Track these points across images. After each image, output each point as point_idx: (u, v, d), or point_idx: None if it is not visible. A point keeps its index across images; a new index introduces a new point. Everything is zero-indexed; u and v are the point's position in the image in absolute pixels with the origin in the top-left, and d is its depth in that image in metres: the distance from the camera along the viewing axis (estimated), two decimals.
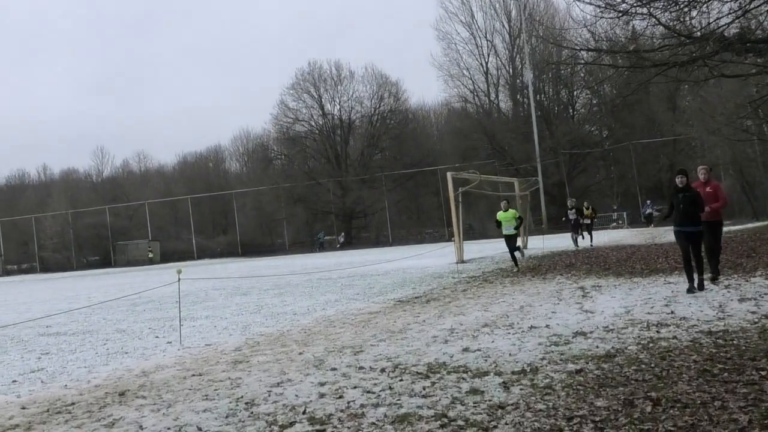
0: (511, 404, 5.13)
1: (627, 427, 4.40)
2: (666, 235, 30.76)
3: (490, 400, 5.30)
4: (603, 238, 31.98)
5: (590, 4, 16.17)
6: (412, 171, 62.44)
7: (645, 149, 54.76)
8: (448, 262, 22.83)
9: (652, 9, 15.92)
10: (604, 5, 16.05)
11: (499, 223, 18.49)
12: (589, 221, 27.24)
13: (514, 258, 18.30)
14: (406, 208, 66.08)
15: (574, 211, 26.70)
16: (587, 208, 27.74)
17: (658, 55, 18.01)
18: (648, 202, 47.25)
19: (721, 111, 36.17)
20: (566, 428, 4.48)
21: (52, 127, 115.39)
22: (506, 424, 4.66)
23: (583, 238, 26.77)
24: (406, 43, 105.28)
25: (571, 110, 64.53)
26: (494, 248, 27.27)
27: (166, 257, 64.26)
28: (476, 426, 4.65)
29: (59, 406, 6.37)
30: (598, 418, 4.61)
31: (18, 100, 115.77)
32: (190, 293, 18.00)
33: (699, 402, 4.68)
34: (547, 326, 8.55)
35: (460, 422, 4.78)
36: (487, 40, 64.19)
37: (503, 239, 18.56)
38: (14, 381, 7.83)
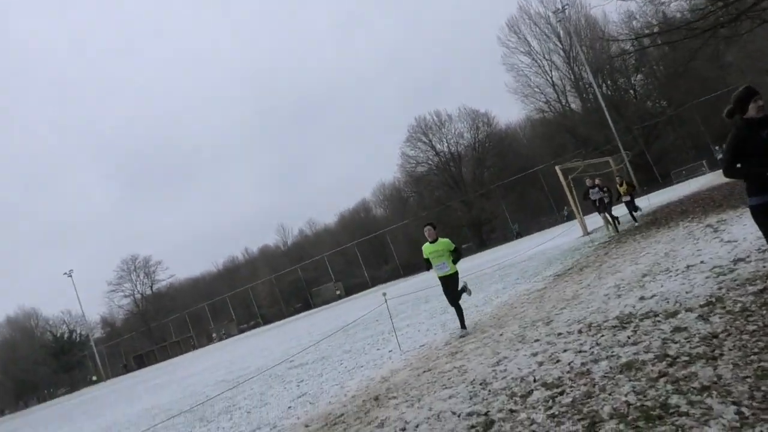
0: (722, 332, 4.46)
1: None
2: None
3: (699, 333, 4.64)
4: (695, 184, 29.75)
5: None
6: (516, 177, 62.32)
7: (705, 106, 51.85)
8: (576, 236, 21.72)
9: None
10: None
11: (428, 262, 9.57)
12: (629, 198, 19.10)
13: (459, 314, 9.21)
14: (520, 206, 65.65)
15: (597, 189, 18.37)
16: (620, 184, 19.63)
17: (709, 20, 16.81)
18: (717, 147, 41.73)
19: (766, 53, 33.63)
20: None
21: (246, 218, 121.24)
22: (730, 349, 4.03)
23: (617, 223, 18.69)
24: (485, 81, 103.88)
25: (632, 92, 62.47)
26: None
27: (348, 291, 66.79)
28: (703, 357, 4.04)
29: (333, 419, 6.19)
30: None
31: (220, 204, 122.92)
32: (382, 312, 17.88)
33: None
34: (702, 262, 7.66)
35: (685, 358, 4.17)
36: (546, 60, 63.43)
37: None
38: (289, 407, 7.77)
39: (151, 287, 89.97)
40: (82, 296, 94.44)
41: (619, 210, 20.90)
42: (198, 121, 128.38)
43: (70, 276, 73.21)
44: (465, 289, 9.63)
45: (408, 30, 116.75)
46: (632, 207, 19.20)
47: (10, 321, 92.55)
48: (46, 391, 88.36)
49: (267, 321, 72.35)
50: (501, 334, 7.64)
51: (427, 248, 9.52)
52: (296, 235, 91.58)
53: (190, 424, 9.27)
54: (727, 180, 24.85)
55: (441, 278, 9.43)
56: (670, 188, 40.83)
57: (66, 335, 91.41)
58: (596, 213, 20.12)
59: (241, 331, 74.01)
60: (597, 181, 18.90)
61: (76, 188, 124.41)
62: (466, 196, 65.69)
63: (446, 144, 69.89)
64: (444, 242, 9.49)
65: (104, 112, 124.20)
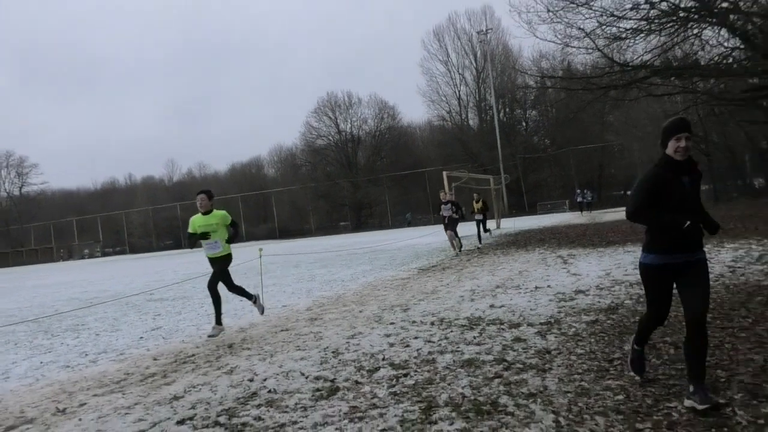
0: (554, 349, 4.76)
1: (662, 367, 4.04)
2: (604, 215, 30.53)
3: (535, 346, 4.93)
4: (555, 218, 31.62)
5: (552, 42, 15.99)
6: (405, 172, 63.56)
7: (581, 153, 55.44)
8: (444, 239, 22.42)
9: (598, 44, 15.95)
10: (562, 43, 15.96)
11: (193, 237, 7.61)
12: (481, 217, 18.67)
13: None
14: (401, 200, 66.88)
15: (448, 206, 15.82)
16: (477, 201, 18.98)
17: (604, 80, 17.88)
18: (584, 191, 40.66)
19: (642, 123, 36.27)
20: (611, 369, 4.12)
21: (136, 143, 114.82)
22: (559, 366, 4.30)
23: (459, 244, 16.25)
24: (400, 77, 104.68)
25: (524, 124, 65.49)
26: (476, 229, 26.89)
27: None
28: (534, 368, 4.29)
29: (183, 357, 6.00)
30: None
31: (112, 122, 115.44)
32: (253, 267, 17.59)
33: (713, 345, 4.30)
34: (549, 286, 8.17)
35: (519, 365, 4.41)
36: (459, 74, 65.04)
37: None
38: (141, 337, 7.44)
39: (20, 189, 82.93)
40: None
41: (468, 228, 20.75)
42: (115, 32, 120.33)
43: None
44: (256, 300, 7.81)
45: (345, 3, 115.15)
46: (482, 227, 18.64)
47: None
48: None
49: (134, 250, 68.96)
50: (360, 311, 7.74)
51: (195, 221, 7.54)
52: (184, 173, 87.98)
53: (32, 333, 8.65)
54: (582, 221, 26.68)
55: (210, 259, 7.53)
56: (535, 217, 43.12)
57: None
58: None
59: (105, 254, 70.15)
60: (450, 197, 16.90)
61: None
62: (356, 178, 66.03)
63: (350, 125, 69.97)
64: (219, 215, 7.58)
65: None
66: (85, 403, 4.59)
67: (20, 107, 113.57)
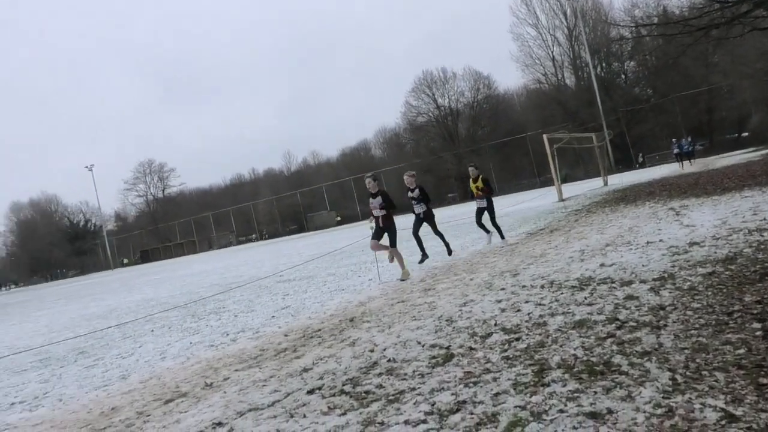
0: (669, 305, 4.48)
1: None
2: (717, 161, 28.22)
3: (648, 303, 4.66)
4: (664, 169, 29.63)
5: None
6: (506, 139, 62.18)
7: (686, 99, 51.49)
8: (552, 201, 21.73)
9: None
10: None
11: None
12: (484, 202, 11.45)
13: None
14: (505, 166, 65.49)
15: (414, 192, 10.51)
16: (474, 180, 11.53)
17: (703, 20, 16.46)
18: (680, 140, 32.53)
19: (750, 59, 33.07)
20: (730, 322, 3.82)
21: (256, 139, 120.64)
22: (674, 322, 4.04)
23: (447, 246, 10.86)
24: (491, 46, 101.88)
25: (623, 77, 61.74)
26: (582, 189, 25.79)
27: (342, 221, 67.39)
28: (648, 326, 4.06)
29: (310, 332, 6.25)
30: (755, 311, 3.92)
31: (235, 122, 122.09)
32: (367, 244, 17.90)
33: None
34: (661, 240, 7.67)
35: (632, 323, 4.20)
36: (550, 35, 62.43)
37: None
38: (273, 316, 7.85)
39: (163, 191, 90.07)
40: (99, 190, 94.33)
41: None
42: (234, 41, 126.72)
43: (91, 170, 72.87)
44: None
45: None
46: (491, 216, 11.49)
47: (33, 203, 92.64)
48: (58, 271, 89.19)
49: (263, 237, 72.86)
50: (471, 279, 7.69)
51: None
52: (300, 162, 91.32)
53: (182, 318, 9.37)
54: (695, 170, 24.78)
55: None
56: (643, 170, 40.72)
57: (81, 223, 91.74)
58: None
59: (239, 243, 74.59)
60: (410, 179, 10.61)
61: (110, 88, 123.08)
62: (458, 150, 65.45)
63: (447, 99, 69.65)
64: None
65: (148, 20, 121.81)
66: (228, 378, 4.92)
67: (159, 120, 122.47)
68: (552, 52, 62.92)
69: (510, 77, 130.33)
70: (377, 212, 9.46)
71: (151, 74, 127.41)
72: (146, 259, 78.35)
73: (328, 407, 3.66)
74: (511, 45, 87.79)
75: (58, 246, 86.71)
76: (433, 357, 4.33)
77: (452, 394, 3.46)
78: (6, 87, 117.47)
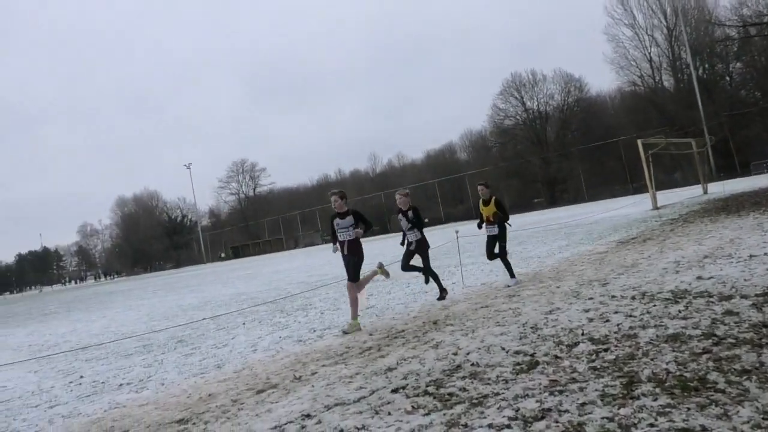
0: None
1: None
2: None
3: (749, 320, 4.43)
4: None
5: None
6: (597, 144, 59.92)
7: None
8: (645, 209, 20.81)
9: None
10: None
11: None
12: (495, 230, 8.89)
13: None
14: (595, 171, 63.19)
15: (401, 216, 8.64)
16: (486, 203, 9.04)
17: None
18: None
19: None
20: None
21: (343, 141, 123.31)
22: None
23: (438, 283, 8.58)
24: (584, 48, 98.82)
25: (728, 78, 57.92)
26: (679, 197, 24.53)
27: (429, 223, 67.81)
28: (749, 343, 3.86)
29: (394, 333, 6.37)
30: None
31: (323, 124, 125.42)
32: (452, 247, 17.91)
33: None
34: (766, 254, 7.23)
35: (731, 340, 4.00)
36: (648, 35, 59.57)
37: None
38: (357, 316, 8.02)
39: (254, 190, 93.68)
40: (196, 188, 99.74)
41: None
42: (326, 45, 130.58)
43: (189, 168, 77.18)
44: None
45: None
46: (501, 248, 8.95)
47: (136, 198, 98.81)
48: (156, 263, 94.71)
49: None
50: (558, 287, 7.55)
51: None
52: (385, 164, 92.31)
53: (271, 313, 9.77)
54: None
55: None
56: (748, 178, 38.12)
57: (179, 218, 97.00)
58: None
59: (325, 242, 76.30)
60: (403, 200, 8.72)
61: (211, 91, 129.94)
62: (546, 154, 63.92)
63: (536, 102, 68.31)
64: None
65: (246, 27, 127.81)
66: (315, 372, 5.11)
67: (253, 121, 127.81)
68: (649, 53, 60.23)
69: (603, 80, 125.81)
70: (345, 235, 7.41)
71: (248, 78, 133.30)
72: (237, 255, 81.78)
73: (412, 406, 3.74)
74: (605, 46, 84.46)
75: (157, 239, 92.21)
76: (518, 363, 4.32)
77: (537, 401, 3.45)
78: (120, 91, 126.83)
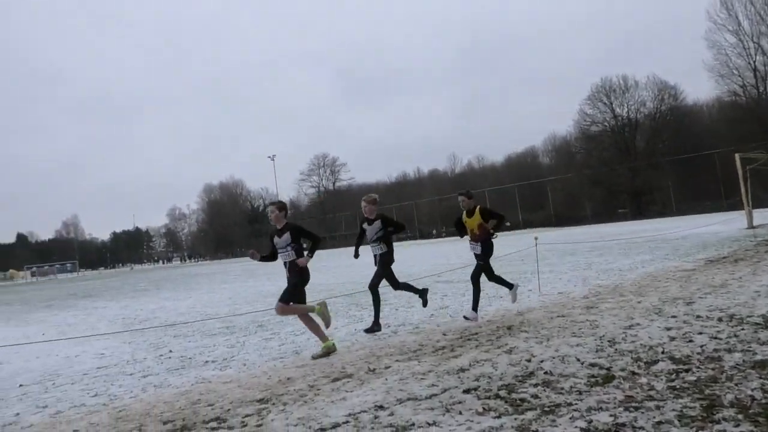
0: None
1: None
2: None
3: None
4: None
5: None
6: (691, 155, 56.75)
7: None
8: (738, 227, 19.67)
9: None
10: None
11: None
12: (477, 246, 7.42)
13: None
14: (685, 184, 60.02)
15: (375, 227, 7.54)
16: (470, 214, 7.45)
17: None
18: None
19: None
20: None
21: (422, 139, 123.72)
22: None
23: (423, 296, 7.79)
24: (682, 54, 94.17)
25: None
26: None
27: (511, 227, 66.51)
28: None
29: (468, 335, 6.42)
30: None
31: (404, 122, 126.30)
32: (530, 254, 17.64)
33: None
34: None
35: None
36: (753, 42, 55.55)
37: None
38: (431, 315, 8.14)
39: (333, 184, 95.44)
40: (278, 178, 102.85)
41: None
42: (413, 44, 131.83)
43: (273, 159, 79.63)
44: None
45: None
46: (486, 270, 7.59)
47: (222, 186, 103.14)
48: (237, 249, 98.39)
49: (422, 236, 74.20)
50: (639, 302, 7.34)
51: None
52: (464, 165, 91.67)
53: (347, 305, 10.03)
54: None
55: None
56: None
57: (261, 208, 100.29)
58: None
59: (399, 240, 76.78)
60: (369, 207, 7.83)
61: (296, 85, 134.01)
62: (634, 163, 61.36)
63: (626, 109, 65.24)
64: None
65: (334, 21, 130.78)
66: (389, 366, 5.26)
67: (336, 116, 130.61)
68: (754, 62, 56.34)
69: (700, 88, 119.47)
70: (284, 256, 6.30)
71: (333, 73, 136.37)
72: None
73: (483, 408, 3.81)
74: (704, 53, 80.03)
75: (239, 226, 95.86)
76: (593, 376, 4.29)
77: (611, 415, 3.43)
78: (212, 83, 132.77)
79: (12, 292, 37.04)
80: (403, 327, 7.41)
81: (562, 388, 4.05)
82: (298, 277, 6.19)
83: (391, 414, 3.87)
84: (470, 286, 7.53)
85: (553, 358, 4.96)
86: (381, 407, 4.04)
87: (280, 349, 6.71)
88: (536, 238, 10.25)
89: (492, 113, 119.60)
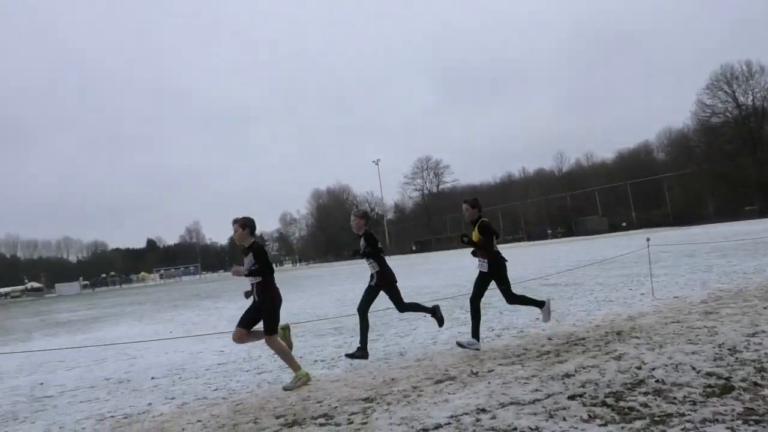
0: None
1: None
2: None
3: None
4: None
5: None
6: None
7: None
8: None
9: None
10: None
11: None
12: (485, 265, 6.54)
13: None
14: None
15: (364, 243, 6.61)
16: (473, 222, 6.63)
17: None
18: None
19: None
20: None
21: (527, 138, 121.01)
22: None
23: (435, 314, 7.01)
24: None
25: None
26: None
27: (612, 228, 63.21)
28: None
29: (574, 339, 6.26)
30: None
31: (508, 121, 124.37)
32: (642, 255, 16.74)
33: None
34: None
35: None
36: None
37: None
38: (536, 318, 7.99)
39: (437, 186, 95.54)
40: (383, 183, 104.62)
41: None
42: (516, 41, 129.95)
43: (377, 164, 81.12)
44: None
45: None
46: (500, 290, 6.74)
47: (329, 191, 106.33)
48: (345, 252, 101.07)
49: (529, 238, 72.40)
50: (765, 308, 6.79)
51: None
52: (572, 164, 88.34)
53: (451, 308, 10.06)
54: None
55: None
56: None
57: (371, 212, 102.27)
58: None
59: (505, 242, 75.31)
60: (356, 222, 6.82)
61: (399, 89, 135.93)
62: (761, 155, 56.15)
63: (751, 97, 59.65)
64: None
65: (438, 20, 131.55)
66: (492, 370, 5.25)
67: (438, 118, 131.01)
68: None
69: None
70: (251, 278, 5.69)
71: (437, 75, 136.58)
72: (423, 250, 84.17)
73: (589, 415, 3.72)
74: None
75: (347, 230, 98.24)
76: (709, 386, 4.06)
77: (727, 428, 3.24)
78: (321, 92, 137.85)
79: (143, 293, 40.51)
80: (508, 331, 7.35)
81: (675, 398, 3.87)
82: (270, 303, 5.62)
83: (493, 417, 3.88)
84: (578, 290, 7.34)
85: (666, 365, 4.73)
86: (483, 410, 4.06)
87: (385, 351, 6.88)
88: (648, 239, 9.73)
89: (599, 108, 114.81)
